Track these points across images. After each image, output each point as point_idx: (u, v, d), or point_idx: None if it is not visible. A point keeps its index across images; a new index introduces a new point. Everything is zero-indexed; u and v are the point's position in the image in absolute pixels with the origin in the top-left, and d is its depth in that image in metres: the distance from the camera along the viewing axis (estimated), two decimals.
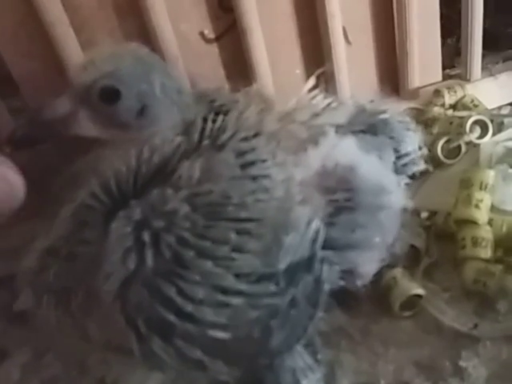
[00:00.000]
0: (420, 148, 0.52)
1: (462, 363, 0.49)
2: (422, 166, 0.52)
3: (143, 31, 0.61)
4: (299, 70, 0.72)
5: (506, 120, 0.72)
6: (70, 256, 0.37)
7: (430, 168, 0.65)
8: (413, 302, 0.53)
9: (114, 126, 0.38)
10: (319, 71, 0.58)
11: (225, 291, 0.35)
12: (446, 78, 0.80)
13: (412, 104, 0.75)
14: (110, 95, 0.37)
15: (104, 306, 0.35)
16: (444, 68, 0.80)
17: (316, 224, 0.39)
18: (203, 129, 0.39)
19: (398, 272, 0.54)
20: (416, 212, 0.60)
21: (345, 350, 0.51)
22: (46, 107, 0.39)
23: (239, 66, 0.67)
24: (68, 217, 0.37)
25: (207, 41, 0.67)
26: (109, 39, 0.61)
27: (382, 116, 0.50)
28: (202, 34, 0.66)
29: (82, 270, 0.36)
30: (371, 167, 0.44)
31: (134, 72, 0.38)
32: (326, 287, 0.41)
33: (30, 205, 0.61)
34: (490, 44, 0.80)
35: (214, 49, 0.67)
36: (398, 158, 0.50)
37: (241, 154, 0.38)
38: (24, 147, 0.57)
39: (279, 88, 0.68)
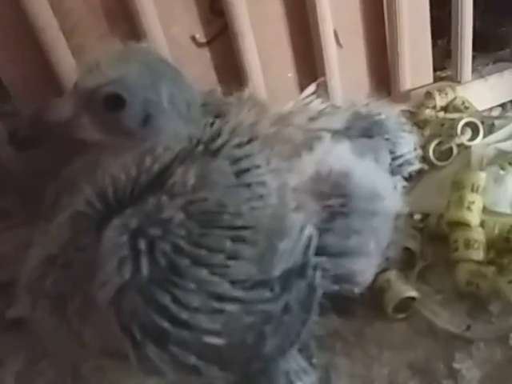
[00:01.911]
0: (415, 148, 0.52)
1: (455, 365, 0.49)
2: (417, 166, 0.52)
3: (134, 35, 0.61)
4: (291, 74, 0.72)
5: (496, 122, 0.73)
6: (67, 263, 0.37)
7: (425, 167, 0.66)
8: (406, 304, 0.53)
9: (117, 132, 0.37)
10: (320, 80, 0.58)
11: (220, 298, 0.35)
12: (436, 79, 0.80)
13: (403, 106, 0.75)
14: (115, 102, 0.36)
15: (99, 312, 0.35)
16: (435, 70, 0.80)
17: (309, 230, 0.39)
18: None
19: (391, 274, 0.55)
20: (409, 214, 0.61)
21: (339, 354, 0.51)
22: (49, 109, 0.38)
23: (231, 70, 0.67)
24: (64, 224, 0.37)
25: (198, 45, 0.67)
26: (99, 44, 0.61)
27: (377, 118, 0.50)
28: (193, 38, 0.66)
29: (78, 277, 0.36)
30: (366, 172, 0.45)
31: (141, 80, 0.37)
32: (319, 293, 0.41)
33: (24, 211, 0.61)
34: (480, 45, 0.80)
35: (205, 53, 0.67)
36: (394, 159, 0.50)
37: (235, 161, 0.38)
38: (26, 148, 0.56)
39: (271, 91, 0.69)
